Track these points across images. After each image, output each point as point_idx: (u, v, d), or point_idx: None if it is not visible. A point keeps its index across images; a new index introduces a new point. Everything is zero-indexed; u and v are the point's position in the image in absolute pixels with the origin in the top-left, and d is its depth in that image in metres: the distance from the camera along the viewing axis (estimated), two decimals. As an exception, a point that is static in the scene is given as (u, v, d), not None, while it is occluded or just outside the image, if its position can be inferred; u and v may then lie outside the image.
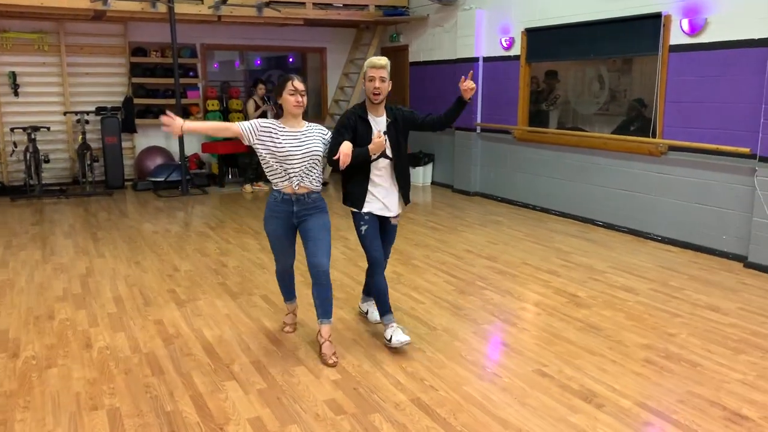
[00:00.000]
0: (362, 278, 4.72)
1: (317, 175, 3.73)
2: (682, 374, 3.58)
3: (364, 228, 3.91)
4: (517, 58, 8.24)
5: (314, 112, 11.55)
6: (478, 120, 8.92)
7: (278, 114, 3.86)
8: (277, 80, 12.33)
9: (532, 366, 3.69)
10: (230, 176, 10.65)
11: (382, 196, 3.92)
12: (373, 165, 3.83)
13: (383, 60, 3.78)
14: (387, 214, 3.97)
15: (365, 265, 4.18)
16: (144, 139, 10.30)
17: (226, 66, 15.35)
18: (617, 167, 6.97)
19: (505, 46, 8.39)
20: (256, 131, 3.63)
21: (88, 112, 9.44)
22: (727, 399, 3.29)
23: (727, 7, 5.73)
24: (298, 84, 3.61)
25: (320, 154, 3.68)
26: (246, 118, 10.25)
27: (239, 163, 10.76)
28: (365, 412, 3.16)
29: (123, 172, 9.77)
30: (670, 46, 6.24)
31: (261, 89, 9.59)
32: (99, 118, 9.52)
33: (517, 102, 8.31)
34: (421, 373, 3.59)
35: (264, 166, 3.72)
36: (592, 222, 7.31)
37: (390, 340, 3.83)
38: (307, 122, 3.77)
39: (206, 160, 10.73)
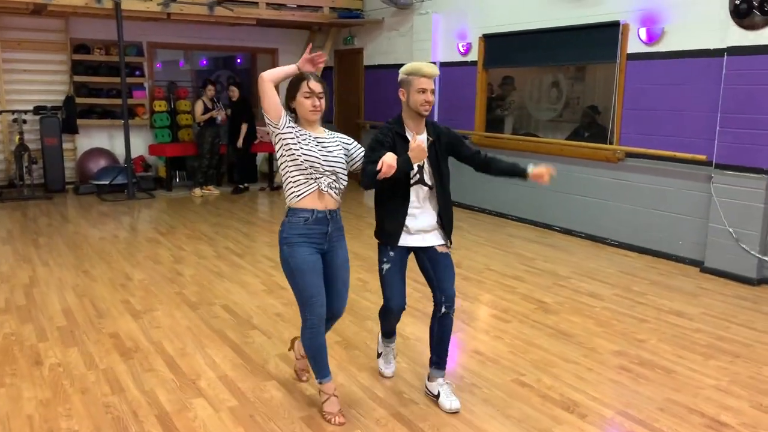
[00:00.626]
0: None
1: (343, 189, 3.11)
2: (658, 381, 3.58)
3: (385, 267, 3.21)
4: (474, 63, 8.24)
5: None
6: (435, 125, 8.88)
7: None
8: (226, 81, 12.17)
9: (509, 375, 3.62)
10: (177, 180, 10.29)
11: (416, 229, 3.20)
12: (412, 192, 3.16)
13: (436, 69, 3.14)
14: (427, 244, 3.23)
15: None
16: (86, 140, 9.83)
17: (170, 66, 14.87)
18: (575, 173, 7.04)
19: (463, 51, 8.38)
20: (288, 117, 2.98)
21: (25, 111, 8.93)
22: (705, 405, 3.30)
23: (683, 18, 5.85)
24: (315, 85, 2.95)
25: (345, 165, 3.09)
26: (193, 120, 9.95)
27: (187, 166, 10.43)
28: (346, 428, 3.02)
29: (64, 174, 9.28)
30: (628, 54, 6.34)
31: (210, 90, 9.30)
32: (38, 117, 9.02)
33: (474, 108, 8.31)
34: (399, 385, 3.48)
35: (288, 176, 3.00)
36: (550, 227, 7.37)
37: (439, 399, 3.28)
38: (326, 129, 3.17)
39: (152, 163, 10.34)
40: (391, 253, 3.20)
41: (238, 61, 14.49)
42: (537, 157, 7.47)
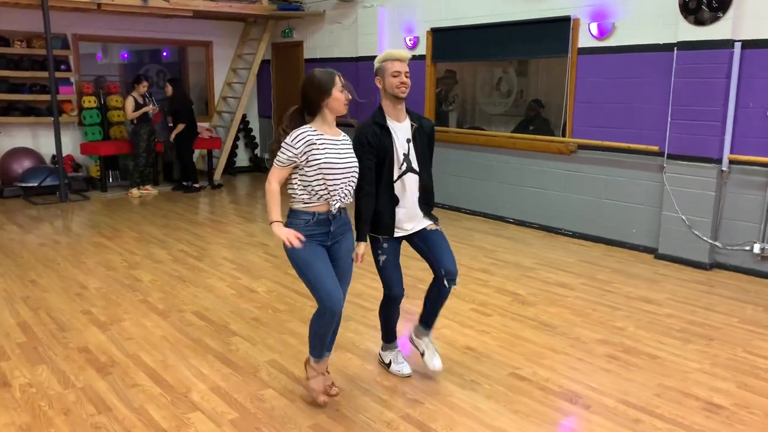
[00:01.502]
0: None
1: (353, 188, 3.11)
2: (647, 368, 3.68)
3: (382, 259, 3.30)
4: (422, 57, 8.23)
5: (200, 109, 10.89)
6: (382, 119, 8.82)
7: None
8: (156, 76, 11.66)
9: (505, 370, 3.63)
10: (111, 180, 9.76)
11: (408, 218, 3.32)
12: (398, 183, 3.25)
13: (408, 53, 3.28)
14: (417, 228, 3.35)
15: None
16: (8, 139, 9.15)
17: (86, 59, 14.06)
18: (527, 165, 7.17)
19: (410, 45, 8.36)
20: (297, 154, 2.89)
21: (-60, 109, 8.23)
22: (696, 389, 3.42)
23: (633, 14, 6.04)
24: (347, 87, 3.01)
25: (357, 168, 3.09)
26: (125, 117, 9.46)
27: (120, 165, 9.93)
28: (360, 435, 2.94)
29: (-16, 177, 8.64)
30: (579, 48, 6.50)
31: (144, 86, 8.85)
32: (-46, 115, 8.33)
33: (423, 102, 8.31)
34: (401, 387, 3.42)
35: (297, 184, 2.97)
36: (503, 219, 7.48)
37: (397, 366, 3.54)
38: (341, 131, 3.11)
39: (82, 162, 9.75)
40: (385, 245, 3.30)
41: (165, 54, 13.89)
42: (488, 150, 7.57)
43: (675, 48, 5.67)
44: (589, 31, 6.36)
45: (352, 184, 3.05)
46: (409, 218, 3.33)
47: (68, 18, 9.18)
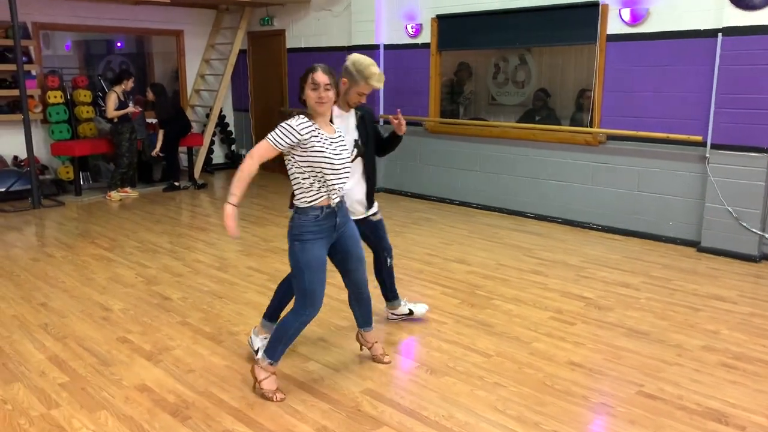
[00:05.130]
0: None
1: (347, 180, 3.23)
2: (770, 376, 3.45)
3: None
4: (426, 46, 7.83)
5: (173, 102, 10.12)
6: (381, 112, 8.38)
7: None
8: (119, 68, 10.77)
9: (629, 388, 3.31)
10: (82, 182, 8.93)
11: (355, 200, 3.67)
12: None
13: (382, 81, 3.49)
14: (360, 216, 3.71)
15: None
16: (-38, 140, 8.24)
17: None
18: (547, 158, 6.90)
19: (412, 33, 7.94)
20: (300, 141, 2.93)
21: None
22: (837, 398, 3.20)
23: (669, -1, 5.83)
24: (321, 76, 2.98)
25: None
26: (98, 114, 8.70)
27: (90, 166, 9.12)
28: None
29: (-60, 183, 7.71)
30: (608, 35, 6.24)
31: (130, 83, 8.12)
32: None
33: (427, 93, 7.92)
34: (527, 414, 3.04)
35: (298, 179, 3.03)
36: (522, 214, 7.19)
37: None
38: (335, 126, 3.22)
39: (47, 164, 8.88)
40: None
41: (118, 44, 12.89)
42: (503, 142, 7.26)
43: (719, 34, 5.48)
44: (620, 17, 6.11)
45: (347, 176, 3.13)
46: (355, 201, 3.69)
47: (27, 4, 8.29)
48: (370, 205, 3.76)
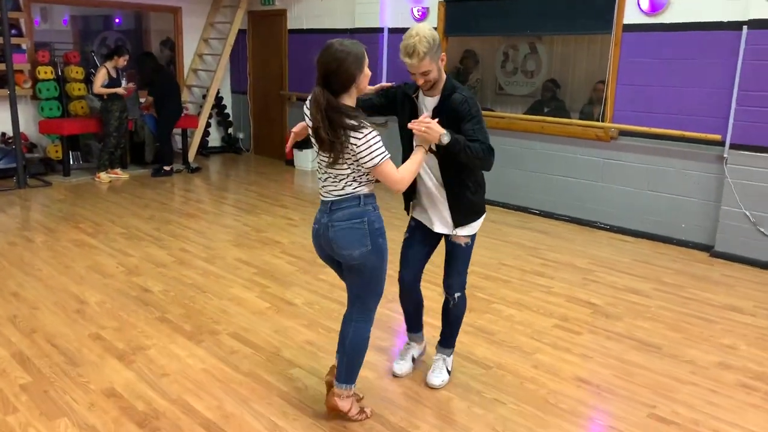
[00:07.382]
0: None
1: None
2: (794, 400, 3.17)
3: (405, 236, 3.25)
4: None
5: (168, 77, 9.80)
6: (383, 98, 8.04)
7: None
8: (115, 45, 10.44)
9: (640, 410, 3.03)
10: (72, 161, 8.63)
11: (425, 205, 3.11)
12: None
13: (416, 58, 2.82)
14: (435, 229, 3.11)
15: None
16: (-52, 115, 7.92)
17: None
18: (555, 152, 6.58)
19: (418, 17, 7.59)
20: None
21: None
22: None
23: (691, -12, 5.49)
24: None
25: None
26: (88, 91, 8.37)
27: (81, 146, 8.81)
28: None
29: None
30: (624, 25, 5.91)
31: (125, 60, 7.80)
32: None
33: (432, 79, 7.58)
34: (517, 429, 2.77)
35: (360, 179, 2.63)
36: (526, 210, 6.89)
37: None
38: None
39: (36, 141, 8.58)
40: (412, 224, 3.21)
41: (117, 21, 12.56)
42: (510, 134, 6.95)
43: (744, 27, 5.15)
44: (639, 6, 5.78)
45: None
46: (428, 206, 3.07)
47: (19, -25, 7.97)
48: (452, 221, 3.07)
